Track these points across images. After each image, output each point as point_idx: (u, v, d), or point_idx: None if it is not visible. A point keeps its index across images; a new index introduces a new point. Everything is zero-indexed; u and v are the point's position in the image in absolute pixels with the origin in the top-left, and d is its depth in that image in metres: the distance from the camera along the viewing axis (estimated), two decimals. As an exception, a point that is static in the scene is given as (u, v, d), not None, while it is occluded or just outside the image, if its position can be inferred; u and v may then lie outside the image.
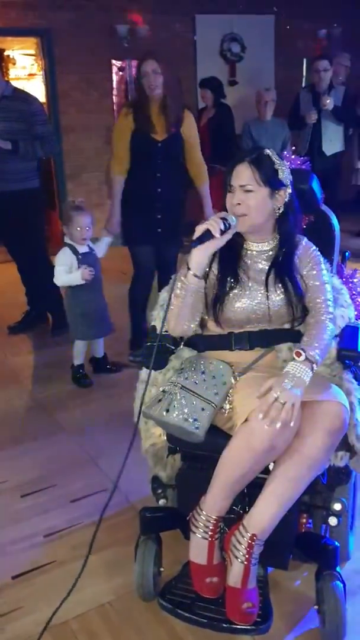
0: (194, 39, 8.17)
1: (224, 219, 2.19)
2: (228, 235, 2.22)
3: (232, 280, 2.29)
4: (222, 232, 2.18)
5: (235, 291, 2.28)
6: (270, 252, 2.34)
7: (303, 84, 8.24)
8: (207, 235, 2.17)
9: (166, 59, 4.16)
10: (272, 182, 2.25)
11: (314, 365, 2.10)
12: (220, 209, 2.35)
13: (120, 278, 4.45)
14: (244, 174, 2.24)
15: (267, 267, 2.32)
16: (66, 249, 4.02)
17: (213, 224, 2.17)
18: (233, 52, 8.41)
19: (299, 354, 2.09)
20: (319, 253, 2.37)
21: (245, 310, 2.28)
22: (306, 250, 2.36)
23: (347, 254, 2.55)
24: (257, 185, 2.23)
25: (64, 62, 7.40)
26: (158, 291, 4.29)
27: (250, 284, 2.29)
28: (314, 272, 2.32)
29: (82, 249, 4.03)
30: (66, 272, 3.98)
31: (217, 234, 2.17)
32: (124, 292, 4.57)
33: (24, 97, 4.76)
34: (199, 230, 2.19)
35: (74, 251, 4.00)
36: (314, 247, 2.38)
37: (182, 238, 4.36)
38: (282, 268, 2.30)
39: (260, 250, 2.35)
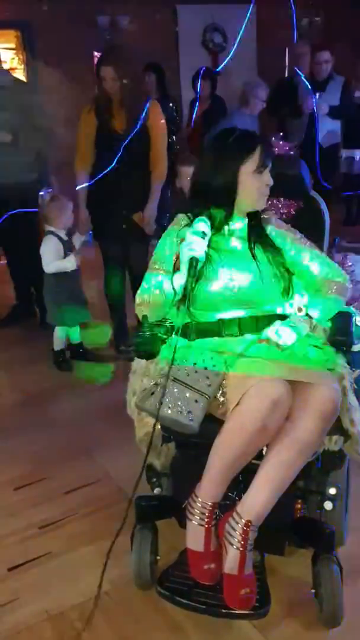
0: (175, 30, 8.14)
1: (199, 233, 2.20)
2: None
3: (205, 262, 2.29)
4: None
5: (207, 273, 2.28)
6: (242, 230, 2.37)
7: (286, 74, 8.21)
8: (196, 265, 2.18)
9: (123, 60, 4.08)
10: None
11: (313, 323, 2.19)
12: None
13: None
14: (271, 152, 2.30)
15: (240, 243, 2.35)
16: (52, 237, 4.13)
17: (196, 247, 2.17)
18: (215, 43, 8.39)
19: (300, 310, 2.18)
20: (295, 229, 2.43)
21: (220, 291, 2.28)
22: (281, 225, 2.42)
23: (336, 239, 2.56)
24: None
25: (45, 54, 7.34)
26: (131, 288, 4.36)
27: (222, 264, 2.30)
28: (301, 243, 2.39)
29: (63, 236, 4.17)
30: (56, 257, 4.09)
31: (204, 255, 2.19)
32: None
33: (22, 87, 4.71)
34: (184, 259, 2.19)
35: (59, 238, 4.12)
36: (287, 225, 2.44)
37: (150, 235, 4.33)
38: (260, 236, 2.35)
39: (233, 229, 2.37)
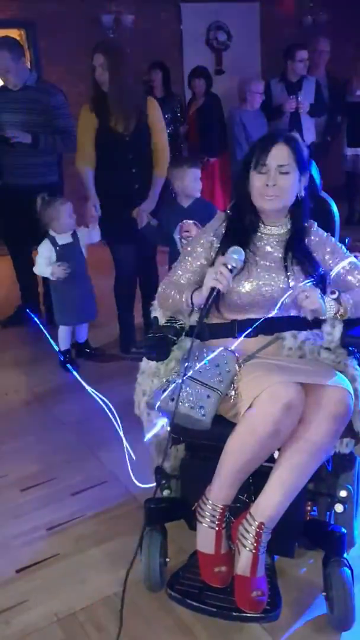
0: (180, 28, 8.12)
1: (229, 265, 2.19)
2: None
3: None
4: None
5: (241, 275, 2.28)
6: (281, 236, 2.35)
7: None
8: (216, 295, 2.18)
9: (116, 51, 4.07)
10: (303, 165, 2.27)
11: (342, 310, 2.18)
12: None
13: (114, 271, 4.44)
14: (283, 154, 2.25)
15: (276, 251, 2.34)
16: (46, 241, 4.15)
17: (222, 280, 2.17)
18: (219, 41, 8.38)
19: (333, 292, 2.17)
20: (331, 236, 2.42)
21: (251, 293, 2.27)
22: (321, 235, 2.39)
23: (347, 240, 2.54)
24: (293, 166, 2.25)
25: (49, 53, 7.33)
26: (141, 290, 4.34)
27: (257, 267, 2.29)
28: (339, 254, 2.37)
29: (64, 239, 4.16)
30: (45, 263, 4.13)
31: (226, 290, 2.19)
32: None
33: (46, 88, 4.69)
34: (205, 288, 2.19)
35: (54, 243, 4.13)
36: (326, 233, 2.42)
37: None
38: (299, 250, 2.32)
39: (271, 234, 2.36)
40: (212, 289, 2.17)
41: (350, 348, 2.24)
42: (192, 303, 2.28)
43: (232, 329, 2.30)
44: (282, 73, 6.48)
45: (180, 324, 2.36)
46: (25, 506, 2.94)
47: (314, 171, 2.55)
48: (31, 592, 2.43)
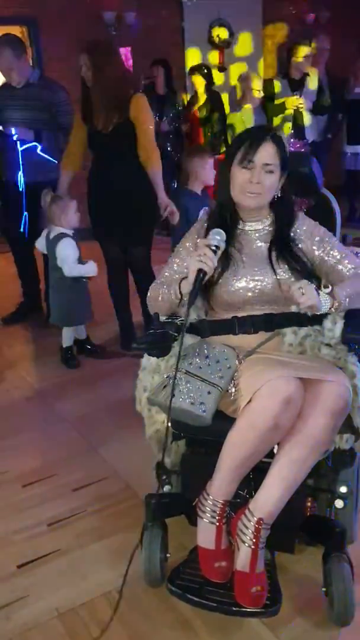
0: (182, 25, 8.11)
1: (212, 246, 2.17)
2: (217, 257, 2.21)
3: (226, 261, 2.29)
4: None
5: (229, 273, 2.28)
6: (265, 231, 2.35)
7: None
8: (202, 277, 2.15)
9: (102, 50, 4.04)
10: (285, 165, 2.27)
11: (336, 304, 2.16)
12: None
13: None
14: (270, 152, 2.24)
15: (262, 246, 2.33)
16: (69, 240, 4.11)
17: (206, 261, 2.14)
18: (221, 38, 8.36)
19: (326, 286, 2.16)
20: (320, 226, 2.41)
21: (240, 291, 2.27)
22: (308, 224, 2.38)
23: (346, 236, 2.55)
24: (278, 165, 2.25)
25: (50, 51, 7.33)
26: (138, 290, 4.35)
27: (244, 264, 2.29)
28: (329, 243, 2.35)
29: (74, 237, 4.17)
30: (76, 259, 4.10)
31: (212, 270, 2.17)
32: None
33: (49, 85, 4.69)
34: (192, 271, 2.16)
35: (74, 239, 4.13)
36: (314, 222, 2.41)
37: (151, 232, 4.34)
38: (282, 244, 2.31)
39: (253, 229, 2.35)
40: (198, 271, 2.14)
41: (351, 345, 2.24)
42: (180, 293, 2.27)
43: (232, 326, 2.30)
44: (285, 70, 6.47)
45: (181, 319, 2.37)
46: (26, 502, 2.94)
47: (315, 168, 2.56)
48: (32, 587, 2.43)
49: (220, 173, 2.32)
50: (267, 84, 6.38)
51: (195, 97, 6.83)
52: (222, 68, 8.37)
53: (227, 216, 2.35)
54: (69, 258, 4.08)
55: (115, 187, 4.11)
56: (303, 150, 2.80)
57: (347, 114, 7.29)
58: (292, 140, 2.73)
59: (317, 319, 2.26)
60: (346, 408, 2.06)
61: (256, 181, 2.24)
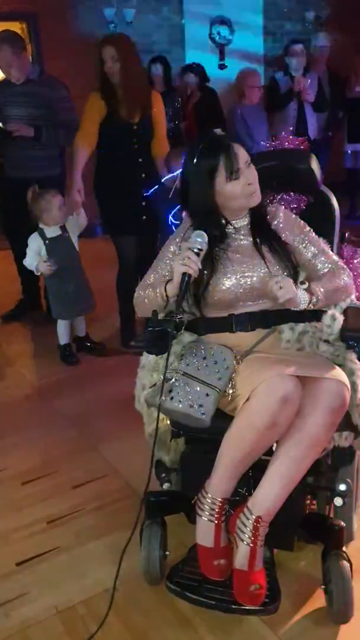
0: (182, 23, 8.10)
1: (194, 249, 2.16)
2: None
3: (213, 264, 2.27)
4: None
5: (219, 274, 2.27)
6: (248, 227, 2.35)
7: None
8: (187, 281, 2.14)
9: (126, 44, 4.08)
10: None
11: (314, 299, 2.18)
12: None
13: (114, 265, 4.43)
14: (241, 150, 2.24)
15: (246, 240, 2.33)
16: (36, 235, 4.18)
17: (190, 264, 2.13)
18: (222, 36, 8.34)
19: (303, 283, 2.18)
20: (300, 220, 2.41)
21: (231, 289, 2.26)
22: (288, 217, 2.39)
23: (346, 235, 2.54)
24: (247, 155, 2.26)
25: (50, 47, 7.32)
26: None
27: (232, 263, 2.28)
28: (307, 236, 2.36)
29: (53, 232, 4.18)
30: (34, 257, 4.17)
31: (196, 273, 2.16)
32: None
33: (49, 81, 4.69)
34: (176, 275, 2.15)
35: (42, 236, 4.16)
36: (294, 215, 2.42)
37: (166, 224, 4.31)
38: (268, 236, 2.32)
39: (238, 227, 2.35)
40: (183, 275, 2.14)
41: (349, 342, 2.23)
42: (166, 295, 2.26)
43: (229, 323, 2.29)
44: (285, 68, 6.47)
45: (180, 317, 2.36)
46: (26, 499, 2.94)
47: (315, 164, 2.55)
48: (31, 585, 2.44)
49: (192, 187, 2.27)
50: (268, 81, 6.40)
51: (191, 95, 6.81)
52: (223, 66, 8.34)
53: (210, 219, 2.32)
54: (27, 252, 4.18)
55: (141, 178, 4.17)
56: (302, 147, 2.78)
57: (347, 112, 7.28)
58: (291, 136, 2.71)
59: (315, 315, 2.26)
60: (345, 406, 2.05)
61: (250, 182, 2.24)
